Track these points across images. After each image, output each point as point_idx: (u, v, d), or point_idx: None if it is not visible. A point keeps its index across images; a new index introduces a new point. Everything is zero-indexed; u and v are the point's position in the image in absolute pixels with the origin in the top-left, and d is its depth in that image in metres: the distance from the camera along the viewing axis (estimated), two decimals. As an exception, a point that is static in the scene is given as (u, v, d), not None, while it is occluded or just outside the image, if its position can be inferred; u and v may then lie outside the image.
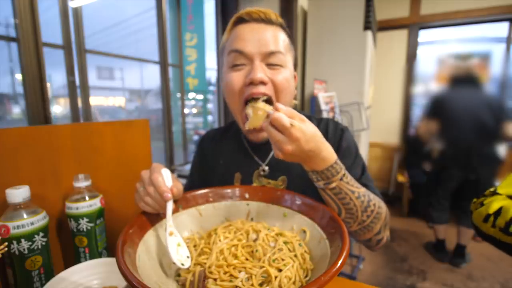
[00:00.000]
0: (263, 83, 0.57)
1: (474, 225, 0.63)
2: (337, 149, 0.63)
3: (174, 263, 0.43)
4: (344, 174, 0.50)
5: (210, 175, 0.74)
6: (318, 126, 0.68)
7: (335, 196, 0.51)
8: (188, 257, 0.46)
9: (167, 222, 0.47)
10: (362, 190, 0.53)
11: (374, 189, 0.62)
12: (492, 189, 0.63)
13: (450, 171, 2.15)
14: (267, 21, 0.59)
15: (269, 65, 0.59)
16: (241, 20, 0.61)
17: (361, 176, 0.63)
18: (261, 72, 0.57)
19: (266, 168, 0.67)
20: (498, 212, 0.57)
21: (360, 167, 0.64)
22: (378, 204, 0.56)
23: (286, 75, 0.60)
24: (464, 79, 2.08)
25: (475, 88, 2.07)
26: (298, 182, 0.63)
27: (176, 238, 0.47)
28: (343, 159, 0.55)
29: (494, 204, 0.58)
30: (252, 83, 0.57)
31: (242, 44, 0.58)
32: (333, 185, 0.49)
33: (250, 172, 0.68)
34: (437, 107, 2.16)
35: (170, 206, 0.48)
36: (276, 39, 0.59)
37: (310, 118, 0.70)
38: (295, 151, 0.44)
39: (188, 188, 0.74)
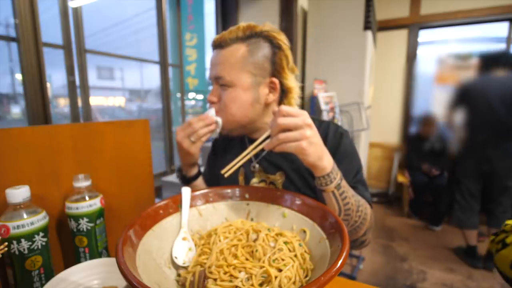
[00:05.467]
0: (212, 102, 0.68)
1: (499, 271, 0.51)
2: (335, 153, 0.64)
3: (182, 266, 0.47)
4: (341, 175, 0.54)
5: (218, 168, 0.79)
6: (318, 128, 0.70)
7: (340, 196, 0.53)
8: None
9: (183, 228, 0.52)
10: (352, 190, 0.57)
11: (363, 192, 0.64)
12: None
13: (467, 164, 2.06)
14: (220, 45, 0.66)
15: (220, 86, 0.67)
16: (211, 48, 0.70)
17: (353, 178, 0.65)
18: (211, 94, 0.69)
19: (257, 165, 0.73)
20: None
21: (355, 169, 0.66)
22: (365, 205, 0.59)
23: (230, 95, 0.66)
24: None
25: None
26: (294, 176, 0.68)
27: (188, 243, 0.51)
28: (340, 163, 0.57)
29: None
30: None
31: (209, 70, 0.70)
32: (341, 184, 0.53)
33: (248, 166, 0.74)
34: (461, 96, 2.05)
35: (186, 213, 0.53)
36: (224, 62, 0.65)
37: (312, 120, 0.72)
38: (314, 133, 0.49)
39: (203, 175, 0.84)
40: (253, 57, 0.64)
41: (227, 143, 0.83)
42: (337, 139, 0.67)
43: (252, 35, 0.65)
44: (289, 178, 0.69)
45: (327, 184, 0.52)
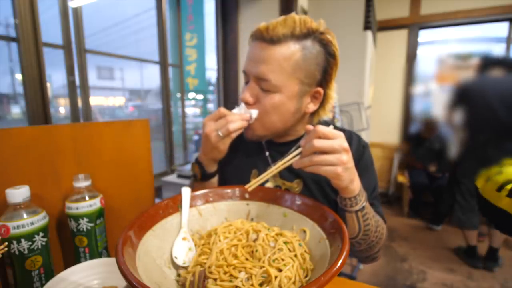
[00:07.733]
0: (248, 103, 0.61)
1: (482, 200, 0.54)
2: (356, 166, 0.63)
3: (182, 266, 0.47)
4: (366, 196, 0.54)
5: (225, 164, 0.75)
6: None
7: (363, 217, 0.52)
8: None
9: (183, 228, 0.52)
10: (373, 211, 0.56)
11: (378, 208, 0.63)
12: None
13: (468, 165, 2.06)
14: (270, 40, 0.56)
15: (261, 88, 0.59)
16: (252, 37, 0.61)
17: (371, 193, 0.63)
18: (248, 93, 0.60)
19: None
20: None
21: (373, 185, 0.65)
22: (382, 225, 0.59)
23: (273, 101, 0.59)
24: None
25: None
26: (313, 187, 0.64)
27: (188, 243, 0.50)
28: (360, 176, 0.54)
29: None
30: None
31: (245, 63, 0.62)
32: (365, 206, 0.52)
33: (264, 170, 0.67)
34: (460, 96, 2.01)
35: (185, 213, 0.53)
36: (273, 62, 0.56)
37: (334, 128, 0.70)
38: (350, 158, 0.47)
39: None
40: (306, 63, 0.57)
41: (239, 139, 0.76)
42: (360, 152, 0.65)
43: (308, 34, 0.57)
44: (307, 187, 0.65)
45: (352, 206, 0.51)
